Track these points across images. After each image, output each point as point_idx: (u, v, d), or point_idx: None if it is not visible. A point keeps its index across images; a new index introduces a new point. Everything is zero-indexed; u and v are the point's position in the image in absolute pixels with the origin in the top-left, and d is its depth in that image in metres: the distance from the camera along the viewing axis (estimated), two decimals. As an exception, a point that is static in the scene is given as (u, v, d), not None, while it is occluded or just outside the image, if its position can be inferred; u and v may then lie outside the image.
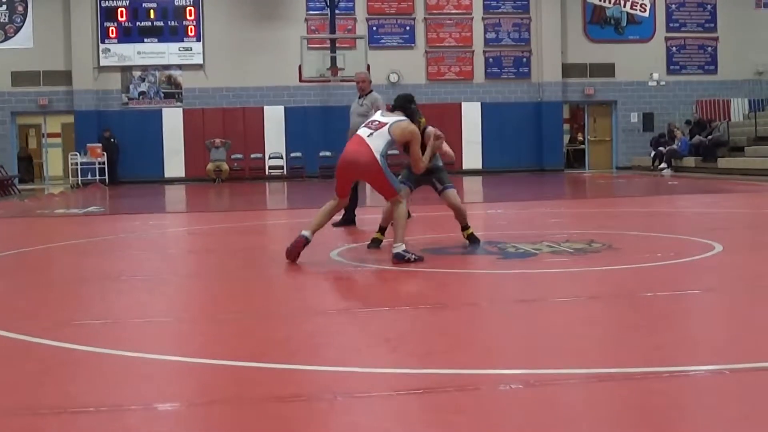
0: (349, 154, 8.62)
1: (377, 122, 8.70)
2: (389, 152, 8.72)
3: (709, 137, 29.37)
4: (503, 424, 3.61)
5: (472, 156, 31.97)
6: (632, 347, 4.85)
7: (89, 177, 28.99)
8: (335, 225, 11.44)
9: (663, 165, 29.48)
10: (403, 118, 8.76)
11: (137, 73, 31.13)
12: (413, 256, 8.28)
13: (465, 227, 9.60)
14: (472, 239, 9.53)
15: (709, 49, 33.71)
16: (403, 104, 8.92)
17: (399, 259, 8.24)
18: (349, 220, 11.92)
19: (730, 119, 32.14)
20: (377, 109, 10.92)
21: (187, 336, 5.52)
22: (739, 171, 25.92)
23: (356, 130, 9.66)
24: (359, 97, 12.06)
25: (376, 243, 9.42)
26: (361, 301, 6.66)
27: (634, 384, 4.10)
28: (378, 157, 8.46)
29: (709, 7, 33.72)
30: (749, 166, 26.04)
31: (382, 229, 9.47)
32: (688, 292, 6.80)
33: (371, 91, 12.09)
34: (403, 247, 8.33)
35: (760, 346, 4.83)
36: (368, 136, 8.60)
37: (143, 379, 4.37)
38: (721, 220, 12.90)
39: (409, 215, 9.66)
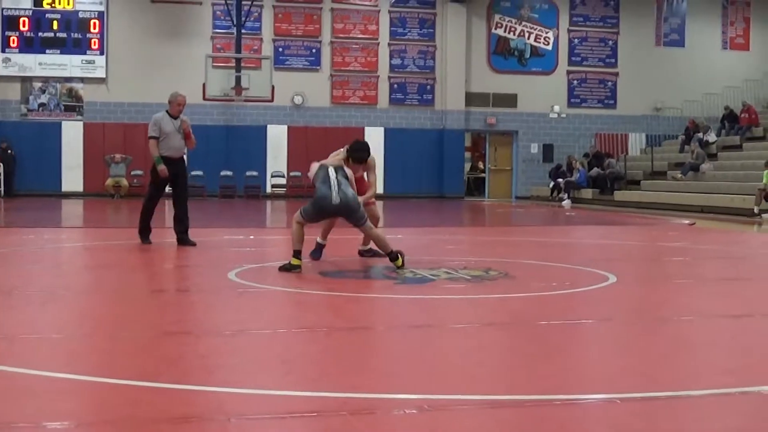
0: None
1: None
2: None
3: (607, 170, 30.00)
4: (396, 448, 3.62)
5: (374, 180, 32.01)
6: (525, 375, 4.90)
7: (-16, 188, 28.37)
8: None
9: (563, 195, 29.85)
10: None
11: (38, 85, 30.56)
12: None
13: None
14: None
15: (609, 83, 34.43)
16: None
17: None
18: (180, 240, 12.44)
19: (627, 153, 32.86)
20: (189, 126, 12.61)
21: (80, 354, 5.43)
22: (635, 204, 26.51)
23: (179, 149, 11.94)
24: (174, 118, 12.86)
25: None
26: (257, 322, 6.62)
27: (526, 411, 4.15)
28: None
29: (610, 42, 34.46)
30: (645, 199, 26.66)
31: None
32: (582, 321, 6.90)
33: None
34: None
35: (651, 376, 4.92)
36: None
37: (34, 397, 4.28)
38: (616, 252, 13.14)
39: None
